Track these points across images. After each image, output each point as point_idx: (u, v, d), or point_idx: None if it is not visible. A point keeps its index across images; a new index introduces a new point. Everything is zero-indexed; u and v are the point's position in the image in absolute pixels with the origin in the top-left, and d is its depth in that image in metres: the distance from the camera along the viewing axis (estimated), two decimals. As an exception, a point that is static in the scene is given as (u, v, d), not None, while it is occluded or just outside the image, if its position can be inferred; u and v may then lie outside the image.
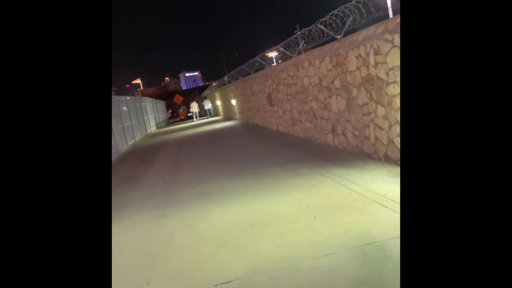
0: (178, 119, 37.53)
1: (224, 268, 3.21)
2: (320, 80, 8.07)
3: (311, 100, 8.85)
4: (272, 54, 17.55)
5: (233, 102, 20.51)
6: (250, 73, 15.45)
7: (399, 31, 5.03)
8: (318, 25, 7.66)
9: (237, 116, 20.13)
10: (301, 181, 5.49)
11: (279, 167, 6.67)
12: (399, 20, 5.07)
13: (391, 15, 6.88)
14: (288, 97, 10.59)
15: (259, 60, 13.95)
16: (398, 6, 6.48)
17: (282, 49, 10.50)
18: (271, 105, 12.59)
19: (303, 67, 8.98)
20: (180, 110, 39.03)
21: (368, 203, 4.12)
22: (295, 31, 10.15)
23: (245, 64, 15.96)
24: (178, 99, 39.73)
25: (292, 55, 9.89)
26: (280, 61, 14.26)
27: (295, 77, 9.68)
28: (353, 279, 2.65)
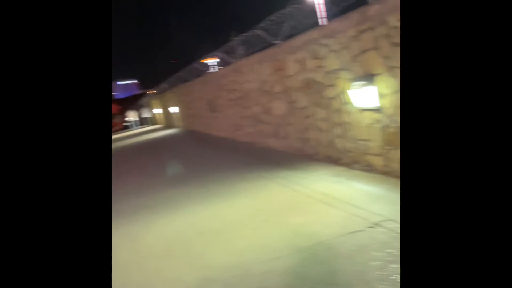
0: (113, 129, 35.83)
1: (174, 281, 3.07)
2: (261, 85, 8.17)
3: (253, 105, 8.92)
4: (212, 60, 17.49)
5: (174, 109, 20.05)
6: (189, 80, 15.22)
7: (334, 36, 5.25)
8: (257, 30, 7.76)
9: (179, 123, 19.72)
10: (248, 186, 5.48)
11: (224, 172, 6.61)
12: (334, 25, 5.28)
13: (322, 22, 7.17)
14: (230, 103, 10.59)
15: (198, 66, 13.81)
16: (331, 13, 6.76)
17: (222, 55, 10.49)
18: (213, 111, 12.50)
19: (244, 73, 9.04)
20: (117, 120, 37.29)
21: (314, 203, 4.21)
22: (231, 38, 10.20)
23: (184, 70, 15.70)
24: (114, 108, 37.98)
25: (232, 61, 9.91)
26: (220, 67, 14.23)
27: (236, 82, 9.71)
28: (306, 279, 2.67)
